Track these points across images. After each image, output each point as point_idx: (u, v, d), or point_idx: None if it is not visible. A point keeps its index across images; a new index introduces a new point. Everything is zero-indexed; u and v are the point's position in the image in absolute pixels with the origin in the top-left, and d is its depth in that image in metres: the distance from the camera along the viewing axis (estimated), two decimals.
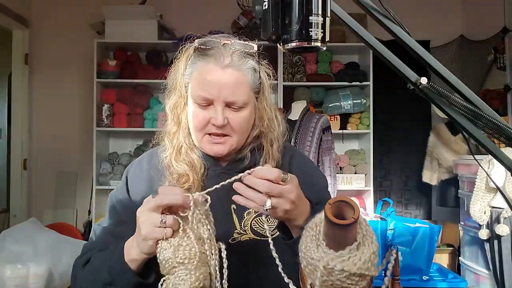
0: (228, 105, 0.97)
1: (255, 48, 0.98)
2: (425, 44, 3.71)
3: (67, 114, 3.86)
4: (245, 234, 1.01)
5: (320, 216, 0.69)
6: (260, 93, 1.02)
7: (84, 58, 3.77)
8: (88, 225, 3.64)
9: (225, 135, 0.99)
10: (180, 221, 0.79)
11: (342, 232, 0.63)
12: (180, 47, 1.03)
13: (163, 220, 0.78)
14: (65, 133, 3.83)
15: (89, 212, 3.69)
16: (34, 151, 3.84)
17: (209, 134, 0.99)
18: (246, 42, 0.98)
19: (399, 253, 1.14)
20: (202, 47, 0.98)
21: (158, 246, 0.79)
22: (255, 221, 1.01)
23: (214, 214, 0.86)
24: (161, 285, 0.78)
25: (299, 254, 0.69)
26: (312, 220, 0.70)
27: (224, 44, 0.96)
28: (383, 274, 0.70)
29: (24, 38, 3.81)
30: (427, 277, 2.12)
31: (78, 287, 0.95)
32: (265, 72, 1.03)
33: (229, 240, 0.99)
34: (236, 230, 1.00)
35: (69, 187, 3.81)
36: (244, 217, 1.02)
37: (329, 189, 1.52)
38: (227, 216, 1.00)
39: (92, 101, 3.61)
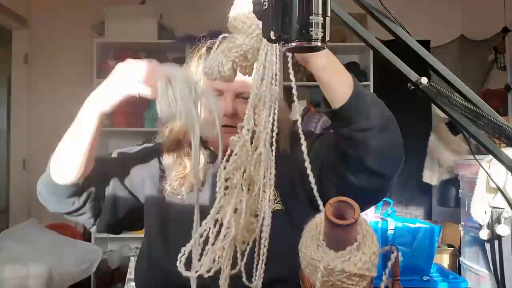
0: (238, 95, 1.04)
1: None
2: (425, 44, 3.71)
3: (67, 114, 3.85)
4: None
5: (320, 216, 0.69)
6: None
7: (84, 58, 3.76)
8: None
9: (234, 127, 1.03)
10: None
11: (342, 232, 0.63)
12: (193, 48, 1.12)
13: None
14: (65, 133, 3.82)
15: None
16: (34, 151, 3.84)
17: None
18: None
19: (400, 253, 1.13)
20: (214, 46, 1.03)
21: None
22: None
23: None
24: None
25: (299, 254, 0.69)
26: (313, 220, 0.70)
27: None
28: (383, 273, 0.70)
29: (24, 38, 3.81)
30: (428, 277, 2.12)
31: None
32: None
33: None
34: None
35: None
36: None
37: None
38: None
39: None
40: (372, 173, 0.92)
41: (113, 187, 1.08)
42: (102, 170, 1.06)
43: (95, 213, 1.06)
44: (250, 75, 0.83)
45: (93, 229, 1.12)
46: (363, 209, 1.07)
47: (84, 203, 1.04)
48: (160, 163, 1.13)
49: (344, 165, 0.94)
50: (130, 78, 0.90)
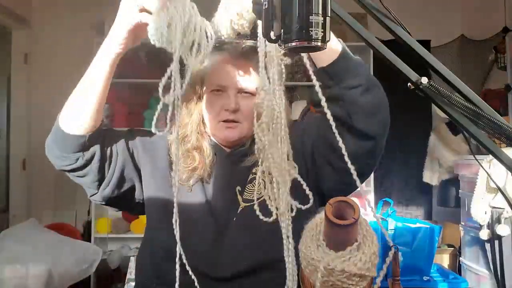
0: (240, 91, 1.07)
1: None
2: (425, 43, 3.71)
3: None
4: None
5: (320, 216, 0.69)
6: None
7: (84, 58, 3.75)
8: (88, 225, 3.64)
9: (236, 122, 1.08)
10: None
11: (342, 232, 0.63)
12: None
13: None
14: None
15: (89, 212, 3.68)
16: (33, 151, 3.83)
17: (223, 121, 1.08)
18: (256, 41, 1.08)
19: (400, 253, 1.13)
20: (217, 45, 1.09)
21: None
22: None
23: (221, 198, 1.05)
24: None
25: (299, 254, 0.69)
26: (313, 220, 0.70)
27: (237, 42, 1.07)
28: (381, 269, 0.70)
29: (24, 38, 3.80)
30: (428, 278, 2.11)
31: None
32: None
33: (234, 219, 1.07)
34: (241, 208, 1.08)
35: (69, 187, 3.80)
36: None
37: None
38: (233, 198, 1.09)
39: None
40: (361, 135, 0.95)
41: (121, 160, 1.09)
42: (110, 134, 1.09)
43: (99, 177, 1.07)
44: (247, 32, 0.88)
45: (96, 197, 1.12)
46: (362, 179, 1.07)
47: (87, 162, 1.04)
48: (169, 154, 1.14)
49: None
50: (129, 7, 0.92)
